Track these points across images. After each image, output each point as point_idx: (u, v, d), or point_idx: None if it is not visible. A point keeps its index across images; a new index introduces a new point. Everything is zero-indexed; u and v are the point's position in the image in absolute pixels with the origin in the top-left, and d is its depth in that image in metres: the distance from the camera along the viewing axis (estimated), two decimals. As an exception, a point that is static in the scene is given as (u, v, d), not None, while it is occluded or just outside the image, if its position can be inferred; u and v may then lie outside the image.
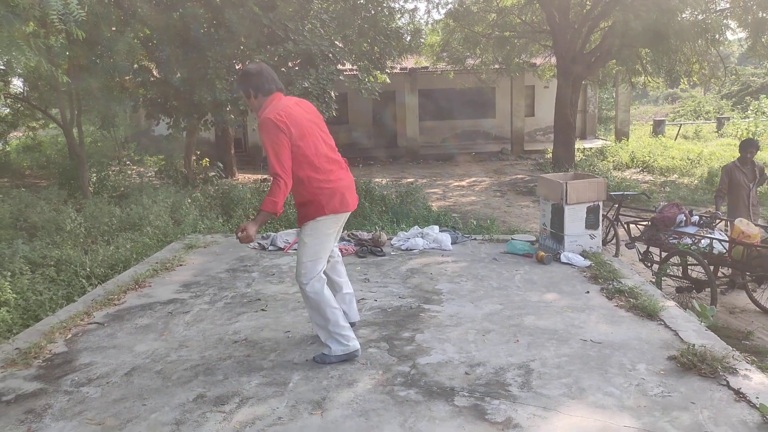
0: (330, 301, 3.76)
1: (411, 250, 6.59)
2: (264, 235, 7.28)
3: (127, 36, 10.03)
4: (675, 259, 6.35)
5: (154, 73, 12.04)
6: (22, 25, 7.28)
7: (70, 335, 4.30)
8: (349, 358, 3.78)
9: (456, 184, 15.71)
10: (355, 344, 3.79)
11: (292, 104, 3.72)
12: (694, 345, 3.69)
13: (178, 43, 10.81)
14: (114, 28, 10.23)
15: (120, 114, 12.05)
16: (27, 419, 3.14)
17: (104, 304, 4.93)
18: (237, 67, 11.44)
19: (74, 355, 3.95)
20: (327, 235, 3.80)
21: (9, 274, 5.85)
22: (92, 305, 4.87)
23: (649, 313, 4.41)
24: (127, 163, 15.65)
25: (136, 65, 11.58)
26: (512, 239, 6.72)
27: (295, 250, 6.65)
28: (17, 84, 15.44)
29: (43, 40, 7.20)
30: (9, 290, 5.46)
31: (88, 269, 6.30)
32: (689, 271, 6.27)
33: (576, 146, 17.43)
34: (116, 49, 9.82)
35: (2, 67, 12.09)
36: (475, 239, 7.09)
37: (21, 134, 18.69)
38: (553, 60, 17.87)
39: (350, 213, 3.98)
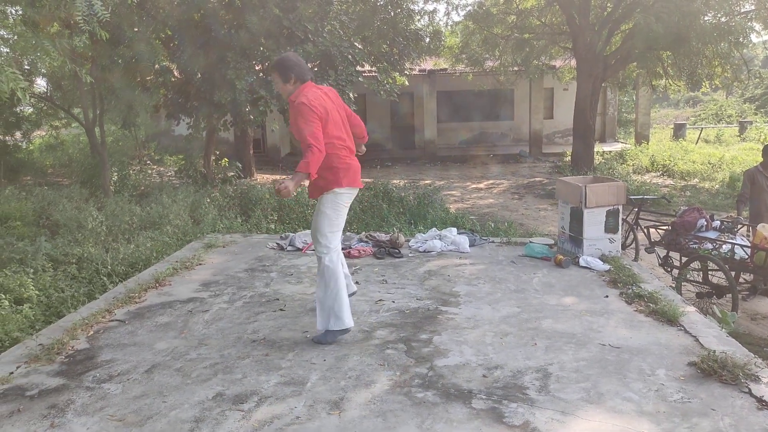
0: (340, 275, 4.12)
1: (429, 252, 6.59)
2: (282, 235, 7.32)
3: (149, 36, 10.14)
4: (695, 264, 6.29)
5: (175, 73, 12.16)
6: (46, 26, 7.41)
7: (91, 332, 4.36)
8: (343, 333, 4.14)
9: (474, 186, 15.68)
10: (350, 321, 4.12)
11: (322, 93, 4.13)
12: (714, 351, 3.65)
13: (199, 44, 10.91)
14: (136, 29, 10.34)
15: (141, 113, 12.17)
16: (50, 414, 3.20)
17: (125, 301, 4.99)
18: (257, 68, 11.51)
19: (96, 352, 4.01)
20: (344, 207, 4.22)
21: (32, 271, 5.95)
22: (113, 303, 4.93)
23: (669, 319, 4.37)
24: (148, 162, 15.83)
25: (157, 65, 11.70)
26: (530, 242, 6.69)
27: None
28: (41, 84, 15.69)
29: (68, 41, 7.31)
30: (32, 287, 5.56)
31: (109, 267, 6.39)
32: (710, 276, 6.20)
33: (595, 149, 17.31)
34: (138, 49, 9.92)
35: (27, 67, 12.27)
36: (492, 242, 7.07)
37: (44, 133, 18.98)
38: (573, 62, 17.76)
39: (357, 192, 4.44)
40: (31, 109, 16.27)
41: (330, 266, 4.06)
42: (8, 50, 8.54)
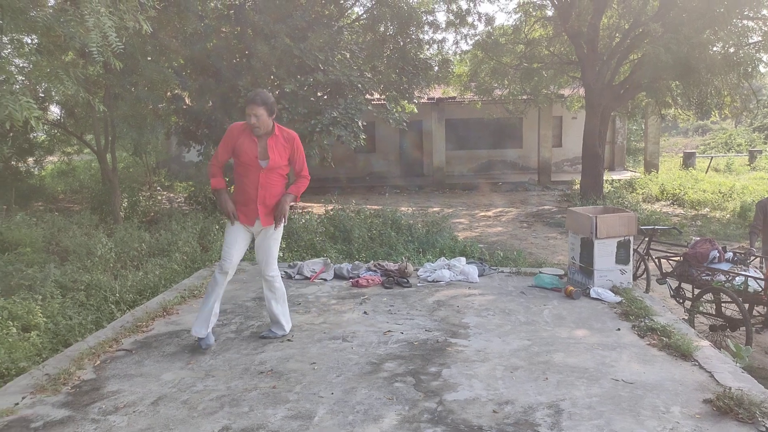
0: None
1: (437, 281, 6.55)
2: (291, 263, 7.30)
3: (161, 65, 10.28)
4: (708, 297, 6.20)
5: (186, 101, 12.30)
6: (61, 55, 7.52)
7: (98, 362, 4.33)
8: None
9: (482, 214, 15.65)
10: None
11: None
12: (730, 388, 3.58)
13: (211, 73, 11.06)
14: (149, 58, 10.50)
15: (152, 141, 12.29)
16: (54, 447, 3.16)
17: (133, 330, 4.96)
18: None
19: (102, 383, 3.98)
20: None
21: (40, 297, 5.94)
22: (121, 332, 4.91)
23: (683, 353, 4.30)
24: (158, 188, 15.93)
25: (169, 94, 11.85)
26: (540, 272, 6.64)
27: (323, 279, 6.69)
28: (54, 110, 15.89)
29: (82, 70, 7.41)
30: (40, 314, 5.54)
31: (118, 294, 6.37)
32: (723, 308, 6.11)
33: (604, 177, 17.28)
34: (151, 78, 10.05)
35: (41, 95, 12.45)
36: (502, 272, 7.02)
37: (56, 159, 19.16)
38: (582, 91, 17.83)
39: None
40: (44, 136, 16.45)
41: (281, 287, 4.78)
42: (23, 78, 8.68)
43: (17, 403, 3.64)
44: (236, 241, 4.55)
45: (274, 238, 4.61)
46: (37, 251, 8.47)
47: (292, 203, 4.62)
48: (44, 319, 5.51)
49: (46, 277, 6.64)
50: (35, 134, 14.76)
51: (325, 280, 6.73)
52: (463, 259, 7.15)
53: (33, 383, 3.92)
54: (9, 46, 8.35)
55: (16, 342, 4.83)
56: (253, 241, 4.71)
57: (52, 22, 6.04)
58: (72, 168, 19.10)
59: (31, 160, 15.17)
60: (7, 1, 5.79)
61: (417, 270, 6.93)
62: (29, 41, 9.22)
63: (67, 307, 5.95)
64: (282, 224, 4.56)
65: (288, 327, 4.88)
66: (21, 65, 10.07)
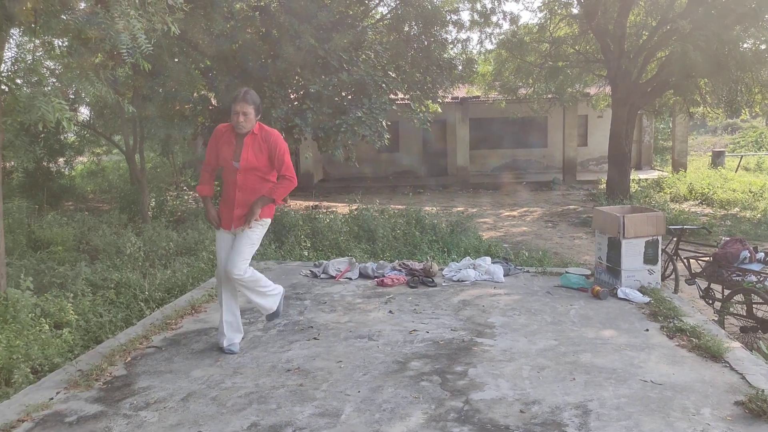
0: (255, 273, 4.48)
1: (462, 281, 6.54)
2: (316, 263, 7.35)
3: (188, 66, 10.40)
4: (739, 298, 6.10)
5: (213, 101, 12.42)
6: (91, 57, 7.66)
7: (129, 358, 4.41)
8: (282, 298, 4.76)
9: (507, 213, 15.56)
10: (279, 287, 4.73)
11: None
12: (763, 390, 3.52)
13: (237, 73, 11.14)
14: (176, 59, 10.62)
15: (179, 141, 12.44)
16: (88, 441, 3.23)
17: (162, 328, 5.04)
18: (292, 97, 11.70)
19: (133, 379, 4.05)
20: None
21: (72, 295, 6.06)
22: (150, 329, 4.99)
23: (713, 354, 4.24)
24: (184, 188, 16.11)
25: (195, 94, 11.98)
26: (566, 272, 6.59)
27: (348, 278, 6.72)
28: (83, 112, 16.17)
29: (111, 72, 7.54)
30: (71, 311, 5.66)
31: (147, 293, 6.47)
32: (755, 310, 6.00)
33: (631, 177, 17.07)
34: (178, 78, 10.18)
35: (71, 96, 12.67)
36: (527, 271, 6.98)
37: (86, 160, 19.50)
38: (608, 89, 17.64)
39: None
40: (74, 137, 16.76)
41: (249, 282, 4.43)
42: (54, 80, 8.85)
43: (52, 398, 3.72)
44: (223, 247, 4.46)
45: (246, 237, 4.35)
46: (68, 250, 8.65)
47: (271, 204, 4.42)
48: (75, 317, 5.62)
49: (77, 275, 6.78)
50: (65, 135, 15.03)
51: (351, 279, 6.76)
52: (488, 258, 7.12)
53: (66, 379, 4.01)
54: (41, 49, 8.52)
55: (49, 339, 4.94)
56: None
57: (83, 25, 6.16)
58: (101, 168, 19.44)
59: (61, 160, 15.46)
60: (41, 4, 5.91)
61: (442, 269, 6.93)
62: (59, 43, 9.39)
63: (97, 305, 6.06)
64: (251, 227, 4.31)
65: (274, 305, 4.66)
66: (52, 67, 10.27)
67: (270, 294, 4.62)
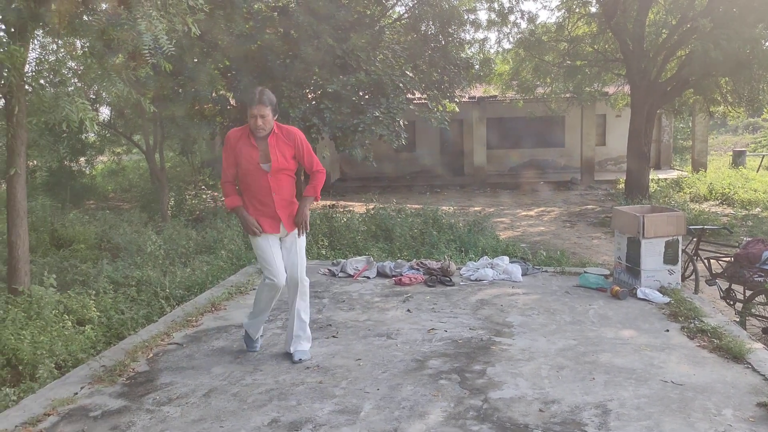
0: None
1: (480, 280, 6.53)
2: (334, 261, 7.38)
3: (208, 67, 10.49)
4: (761, 299, 6.03)
5: (231, 101, 12.53)
6: (114, 58, 7.78)
7: (151, 354, 4.48)
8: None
9: (524, 213, 15.50)
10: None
11: None
12: (786, 392, 3.49)
13: (255, 73, 11.23)
14: (196, 60, 10.73)
15: (198, 141, 12.56)
16: (112, 435, 3.28)
17: (183, 325, 5.11)
18: (309, 96, 11.76)
19: (155, 375, 4.11)
20: None
21: (94, 292, 6.15)
22: (172, 326, 5.05)
23: (735, 355, 4.21)
24: (202, 187, 16.26)
25: (214, 94, 12.09)
26: (585, 272, 6.56)
27: (366, 277, 6.75)
28: (104, 112, 16.38)
29: (133, 72, 7.64)
30: (94, 308, 5.74)
31: (167, 290, 6.55)
32: (777, 311, 5.93)
33: (650, 177, 16.91)
34: (198, 78, 10.28)
35: (92, 96, 12.84)
36: (546, 271, 6.96)
37: (106, 159, 19.76)
38: (627, 89, 17.48)
39: None
40: (95, 136, 16.99)
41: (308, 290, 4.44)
42: (76, 80, 8.98)
43: (76, 393, 3.79)
44: (274, 253, 4.25)
45: (301, 241, 4.35)
46: (90, 248, 8.78)
47: (314, 204, 4.37)
48: (98, 313, 5.70)
49: (99, 272, 6.88)
50: (87, 135, 15.24)
51: (368, 278, 6.79)
52: (506, 258, 7.11)
53: (90, 374, 4.08)
54: (63, 50, 8.65)
55: (72, 335, 5.02)
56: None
57: (106, 26, 6.25)
58: (121, 167, 19.68)
59: (83, 159, 15.69)
60: (65, 6, 6.01)
61: (459, 269, 6.93)
62: (81, 44, 9.52)
63: (119, 302, 6.14)
64: (308, 229, 4.32)
65: (310, 339, 4.51)
66: (73, 67, 10.41)
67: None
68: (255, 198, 4.23)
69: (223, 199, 4.46)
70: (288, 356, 4.40)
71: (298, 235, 4.31)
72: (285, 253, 4.32)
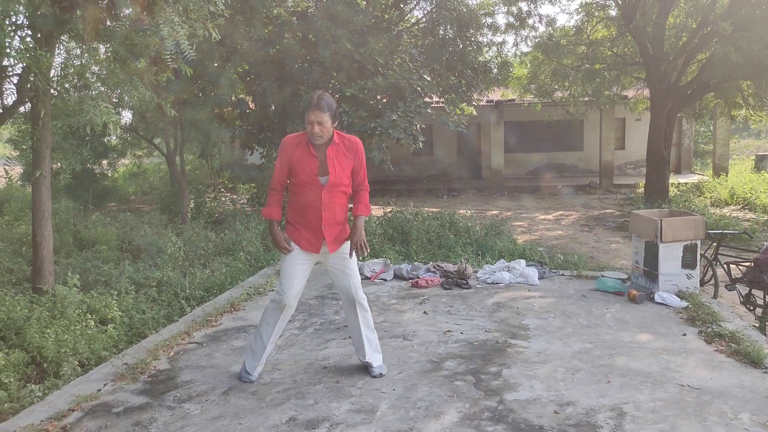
0: None
1: (497, 283, 6.55)
2: (351, 263, 7.43)
3: (228, 71, 10.64)
4: (781, 304, 5.98)
5: (251, 105, 12.67)
6: (136, 63, 7.93)
7: (172, 353, 4.56)
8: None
9: (542, 217, 15.45)
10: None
11: None
12: (803, 396, 3.47)
13: (274, 77, 11.37)
14: (216, 64, 10.88)
15: (218, 144, 12.71)
16: (134, 431, 3.36)
17: (203, 325, 5.20)
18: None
19: (176, 373, 4.19)
20: None
21: (116, 293, 6.27)
22: (192, 326, 5.14)
23: (753, 360, 4.19)
24: (222, 190, 16.43)
25: (234, 97, 12.24)
26: (602, 276, 6.55)
27: (383, 279, 6.80)
28: (125, 115, 16.63)
29: (155, 76, 7.77)
30: (116, 308, 5.85)
31: (187, 291, 6.65)
32: (797, 316, 5.88)
33: (670, 181, 16.76)
34: (218, 83, 10.42)
35: (115, 100, 13.05)
36: (562, 275, 6.96)
37: (128, 162, 20.03)
38: (646, 92, 17.36)
39: None
40: (117, 140, 17.25)
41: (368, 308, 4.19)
42: (99, 84, 9.15)
43: (100, 390, 3.89)
44: (297, 272, 3.92)
45: (353, 264, 4.04)
46: (112, 249, 8.92)
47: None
48: (119, 313, 5.81)
49: (121, 273, 7.01)
50: (109, 138, 15.48)
51: (385, 280, 6.83)
52: (523, 261, 7.12)
53: (113, 372, 4.17)
54: (86, 54, 8.83)
55: (95, 334, 5.13)
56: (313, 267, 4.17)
57: (130, 32, 6.38)
58: (142, 170, 19.94)
59: (105, 162, 15.93)
60: (89, 13, 6.14)
61: (476, 272, 6.95)
62: (105, 49, 9.70)
63: (140, 302, 6.25)
64: (368, 250, 3.97)
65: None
66: (97, 72, 10.60)
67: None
68: (302, 212, 3.91)
69: (262, 206, 4.12)
70: (306, 355, 4.46)
71: (353, 255, 3.97)
72: (335, 275, 4.05)
